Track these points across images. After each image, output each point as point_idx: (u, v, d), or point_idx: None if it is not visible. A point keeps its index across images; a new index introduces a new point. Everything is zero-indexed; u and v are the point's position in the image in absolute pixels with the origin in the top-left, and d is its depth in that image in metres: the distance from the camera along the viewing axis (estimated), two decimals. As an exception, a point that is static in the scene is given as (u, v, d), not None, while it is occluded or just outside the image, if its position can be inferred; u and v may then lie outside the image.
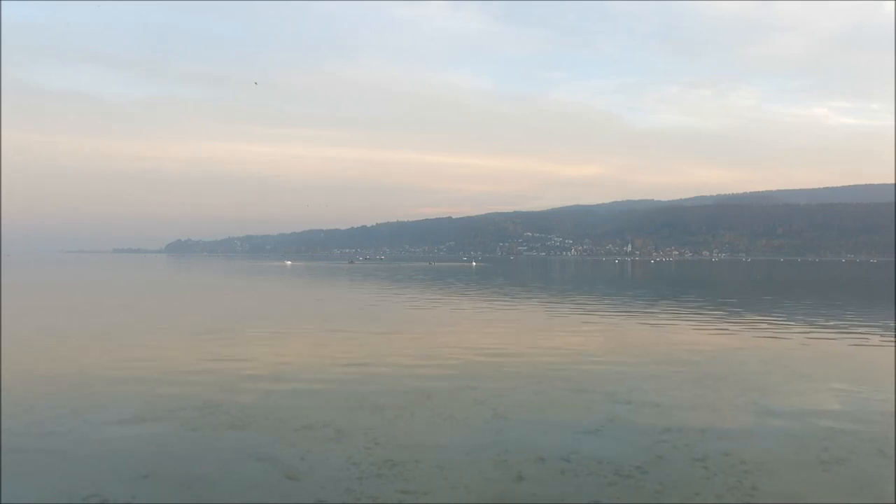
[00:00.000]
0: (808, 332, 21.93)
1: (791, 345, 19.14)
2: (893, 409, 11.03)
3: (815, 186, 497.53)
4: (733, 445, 8.87)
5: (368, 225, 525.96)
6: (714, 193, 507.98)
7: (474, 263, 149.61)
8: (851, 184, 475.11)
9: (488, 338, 19.90)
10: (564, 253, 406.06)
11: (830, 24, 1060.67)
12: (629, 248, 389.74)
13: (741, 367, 15.10)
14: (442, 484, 7.44)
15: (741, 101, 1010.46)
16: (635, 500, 7.04)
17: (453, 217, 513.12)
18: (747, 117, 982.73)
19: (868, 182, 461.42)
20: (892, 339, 20.25)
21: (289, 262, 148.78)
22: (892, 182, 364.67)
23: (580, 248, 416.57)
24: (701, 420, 10.24)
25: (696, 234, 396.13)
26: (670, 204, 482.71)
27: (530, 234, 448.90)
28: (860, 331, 22.50)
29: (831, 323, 24.98)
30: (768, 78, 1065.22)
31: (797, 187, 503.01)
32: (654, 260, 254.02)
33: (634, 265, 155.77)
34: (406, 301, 36.25)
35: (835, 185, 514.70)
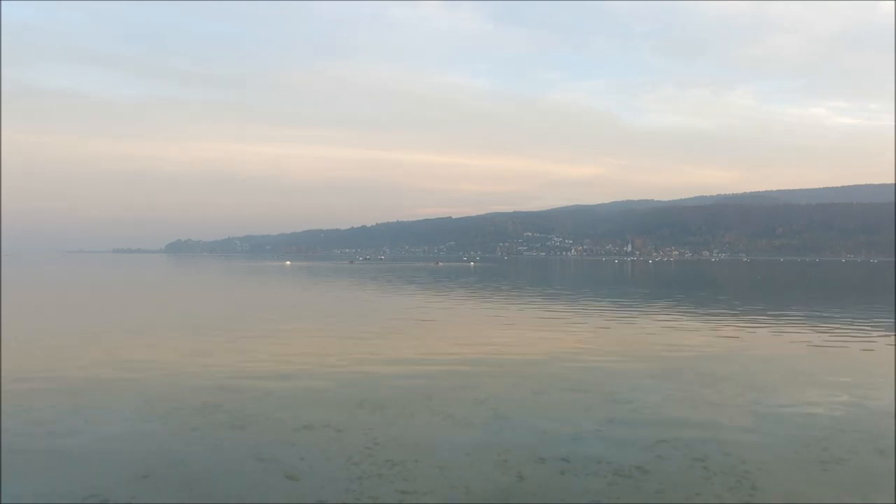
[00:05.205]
0: (808, 332, 21.92)
1: (791, 345, 19.14)
2: (893, 409, 11.03)
3: (815, 186, 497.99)
4: (733, 445, 8.87)
5: (368, 225, 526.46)
6: (714, 193, 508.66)
7: (472, 263, 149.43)
8: (851, 184, 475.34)
9: (488, 337, 19.90)
10: (564, 253, 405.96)
11: (829, 24, 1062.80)
12: (629, 249, 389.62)
13: (741, 367, 15.09)
14: (442, 484, 7.44)
15: (740, 101, 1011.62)
16: (635, 500, 7.04)
17: (453, 217, 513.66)
18: (746, 117, 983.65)
19: (868, 182, 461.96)
20: (892, 339, 20.24)
21: (288, 263, 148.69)
22: (892, 182, 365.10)
23: (580, 248, 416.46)
24: (701, 420, 10.24)
25: (696, 234, 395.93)
26: (670, 204, 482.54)
27: (530, 234, 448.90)
28: (860, 331, 22.50)
29: (831, 323, 24.97)
30: (767, 78, 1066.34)
31: (797, 187, 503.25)
32: (654, 260, 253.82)
33: (634, 265, 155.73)
34: (405, 301, 36.24)
35: (835, 185, 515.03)
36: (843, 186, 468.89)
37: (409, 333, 21.39)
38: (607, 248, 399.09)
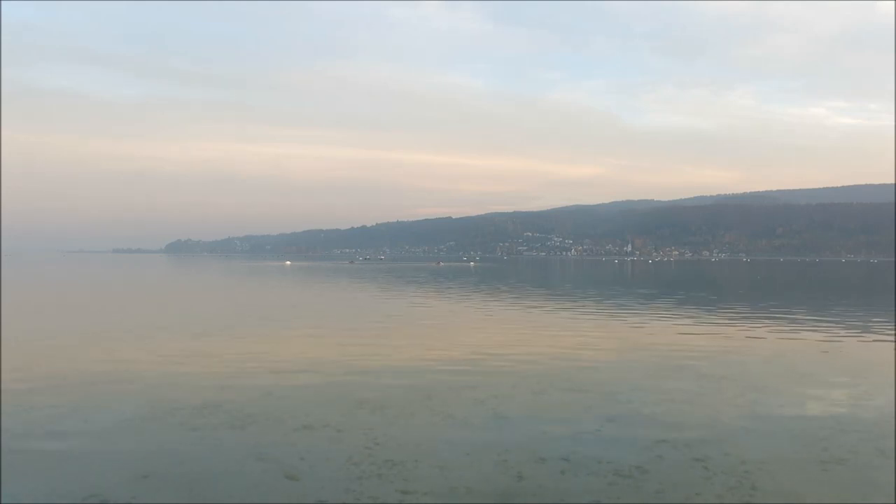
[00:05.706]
0: (808, 332, 21.91)
1: (791, 345, 19.14)
2: (893, 409, 11.03)
3: (815, 186, 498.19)
4: (733, 445, 8.87)
5: (368, 225, 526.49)
6: (714, 193, 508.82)
7: (472, 264, 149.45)
8: (851, 184, 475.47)
9: (488, 338, 19.90)
10: (564, 253, 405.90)
11: (828, 23, 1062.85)
12: (629, 249, 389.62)
13: (741, 367, 15.09)
14: (442, 484, 7.44)
15: (740, 101, 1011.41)
16: (635, 500, 7.04)
17: (453, 217, 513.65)
18: (746, 117, 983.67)
19: (868, 182, 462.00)
20: (892, 339, 20.25)
21: (288, 262, 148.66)
22: (892, 182, 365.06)
23: (580, 248, 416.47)
24: (701, 420, 10.24)
25: (696, 234, 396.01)
26: (670, 204, 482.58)
27: (530, 234, 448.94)
28: (860, 331, 22.50)
29: (831, 323, 24.97)
30: (766, 78, 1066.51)
31: (797, 187, 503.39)
32: (654, 260, 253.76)
33: (634, 265, 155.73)
34: (405, 301, 36.24)
35: (835, 185, 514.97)
36: (843, 186, 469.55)
37: (408, 334, 21.39)
38: (607, 248, 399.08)
